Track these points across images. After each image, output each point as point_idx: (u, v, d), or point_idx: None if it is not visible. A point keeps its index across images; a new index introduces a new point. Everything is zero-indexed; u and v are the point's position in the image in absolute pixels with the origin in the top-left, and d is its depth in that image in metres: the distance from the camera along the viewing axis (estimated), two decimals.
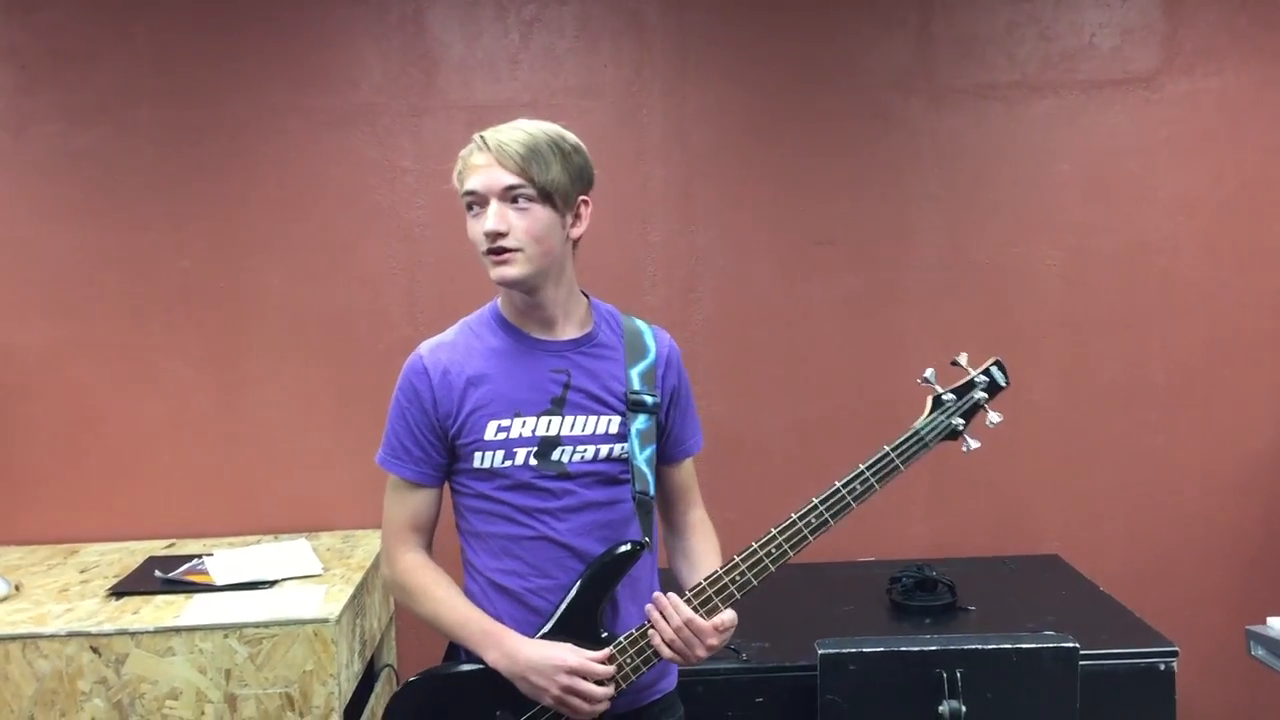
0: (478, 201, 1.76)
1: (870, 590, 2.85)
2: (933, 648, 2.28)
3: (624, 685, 1.78)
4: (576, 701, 1.74)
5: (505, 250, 1.74)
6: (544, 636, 1.79)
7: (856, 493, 1.73)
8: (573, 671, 1.73)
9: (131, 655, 2.32)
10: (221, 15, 2.97)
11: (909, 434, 1.75)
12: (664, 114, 3.06)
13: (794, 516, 1.74)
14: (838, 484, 1.73)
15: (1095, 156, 3.09)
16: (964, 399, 1.76)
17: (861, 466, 1.73)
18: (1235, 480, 3.17)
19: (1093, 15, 3.07)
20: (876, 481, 1.73)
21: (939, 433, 1.76)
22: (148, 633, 2.33)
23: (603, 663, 1.76)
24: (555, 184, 1.76)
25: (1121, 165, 3.10)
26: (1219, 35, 3.06)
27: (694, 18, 3.03)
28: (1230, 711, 3.19)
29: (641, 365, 1.90)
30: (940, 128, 3.08)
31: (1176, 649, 2.43)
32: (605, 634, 1.80)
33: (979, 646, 2.28)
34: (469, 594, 1.87)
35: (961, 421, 1.75)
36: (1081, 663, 2.27)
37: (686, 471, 2.01)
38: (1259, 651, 2.66)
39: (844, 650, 2.28)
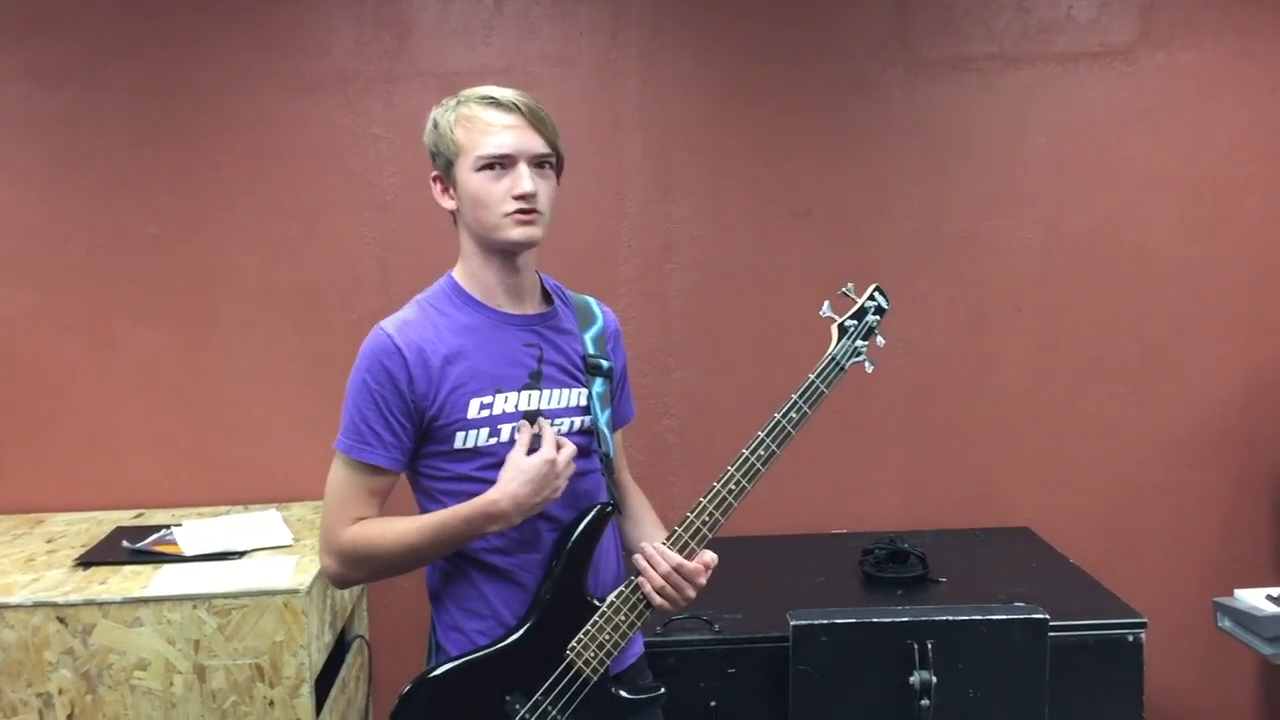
0: (504, 162, 1.75)
1: (842, 562, 2.86)
2: (904, 619, 2.29)
3: (622, 643, 1.80)
4: (572, 466, 1.77)
5: (534, 211, 1.76)
6: (539, 619, 1.79)
7: (794, 421, 1.84)
8: (554, 460, 1.73)
9: (99, 626, 2.30)
10: None
11: (827, 361, 1.89)
12: (640, 82, 3.03)
13: (745, 452, 1.83)
14: (776, 415, 1.84)
15: (1071, 129, 3.09)
16: (862, 323, 1.92)
17: (794, 397, 1.85)
18: (1205, 453, 3.19)
19: None
20: (808, 408, 1.85)
21: (849, 355, 1.90)
22: (115, 603, 2.31)
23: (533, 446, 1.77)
24: (563, 156, 1.84)
25: (1097, 138, 3.09)
26: (1196, 8, 3.06)
27: None
28: (1197, 682, 3.23)
29: (593, 331, 1.94)
30: (917, 99, 3.07)
31: (1145, 620, 2.45)
32: (595, 599, 1.81)
33: (950, 618, 2.29)
34: (446, 576, 1.84)
35: (863, 343, 1.92)
36: (1051, 634, 2.29)
37: (619, 439, 2.05)
38: (1226, 623, 2.70)
39: (816, 621, 2.29)
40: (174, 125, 2.95)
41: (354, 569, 1.81)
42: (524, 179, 1.75)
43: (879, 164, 3.09)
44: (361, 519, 1.79)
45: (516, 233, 1.76)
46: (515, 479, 1.72)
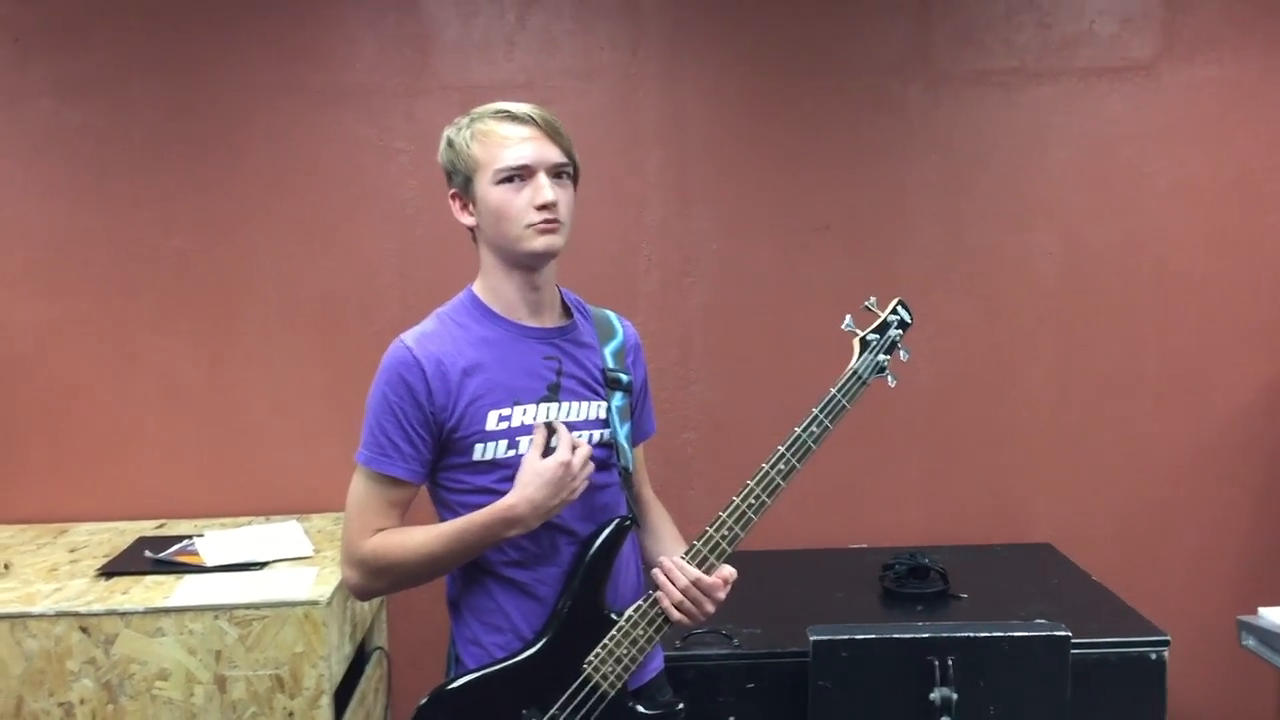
0: (523, 174, 1.76)
1: (863, 577, 2.85)
2: (925, 635, 2.28)
3: (640, 658, 1.79)
4: (589, 467, 1.76)
5: (556, 220, 1.77)
6: (557, 633, 1.78)
7: (814, 435, 1.82)
8: (569, 463, 1.73)
9: (121, 635, 2.31)
10: None
11: (849, 375, 1.86)
12: (660, 97, 3.04)
13: (765, 466, 1.81)
14: (796, 430, 1.82)
15: (1092, 144, 3.08)
16: (885, 337, 1.90)
17: (815, 411, 1.83)
18: (1228, 469, 3.17)
19: (1092, 2, 3.05)
20: (829, 422, 1.83)
21: (871, 369, 1.88)
22: (137, 613, 2.32)
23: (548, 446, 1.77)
24: (579, 166, 1.84)
25: (1119, 153, 3.08)
26: (1218, 23, 3.05)
27: (691, 0, 3.01)
28: (1221, 701, 3.20)
29: (613, 345, 1.93)
30: (938, 114, 3.07)
31: (1168, 638, 2.43)
32: (613, 614, 1.80)
33: (971, 634, 2.28)
34: (465, 589, 1.84)
35: (885, 357, 1.90)
36: (1073, 651, 2.27)
37: (640, 453, 2.04)
38: (1250, 641, 2.67)
39: (836, 637, 2.28)
40: (197, 139, 2.98)
41: (375, 580, 1.81)
42: (544, 188, 1.76)
43: (899, 178, 3.08)
44: (382, 530, 1.79)
45: (539, 242, 1.76)
46: (531, 483, 1.72)
